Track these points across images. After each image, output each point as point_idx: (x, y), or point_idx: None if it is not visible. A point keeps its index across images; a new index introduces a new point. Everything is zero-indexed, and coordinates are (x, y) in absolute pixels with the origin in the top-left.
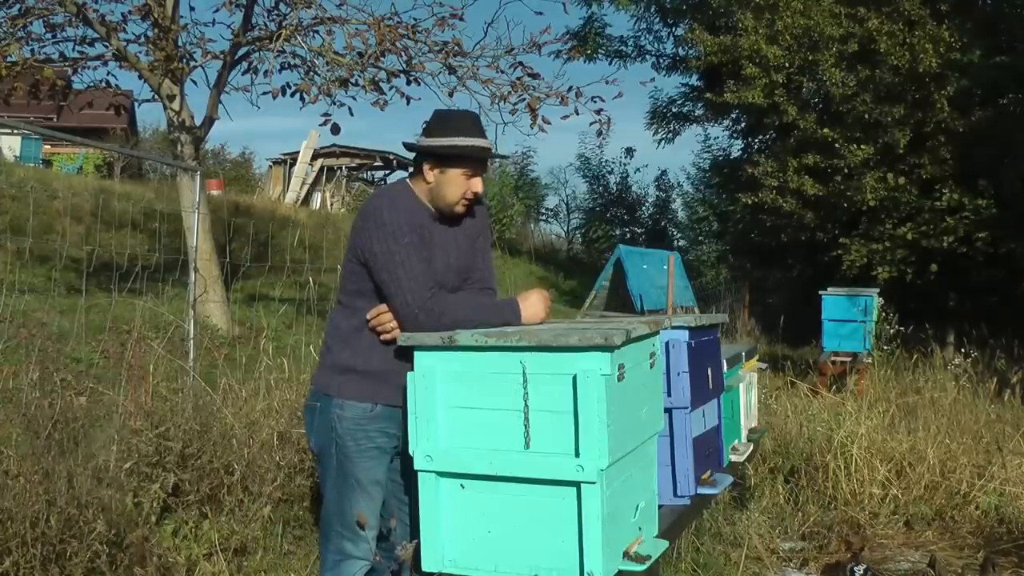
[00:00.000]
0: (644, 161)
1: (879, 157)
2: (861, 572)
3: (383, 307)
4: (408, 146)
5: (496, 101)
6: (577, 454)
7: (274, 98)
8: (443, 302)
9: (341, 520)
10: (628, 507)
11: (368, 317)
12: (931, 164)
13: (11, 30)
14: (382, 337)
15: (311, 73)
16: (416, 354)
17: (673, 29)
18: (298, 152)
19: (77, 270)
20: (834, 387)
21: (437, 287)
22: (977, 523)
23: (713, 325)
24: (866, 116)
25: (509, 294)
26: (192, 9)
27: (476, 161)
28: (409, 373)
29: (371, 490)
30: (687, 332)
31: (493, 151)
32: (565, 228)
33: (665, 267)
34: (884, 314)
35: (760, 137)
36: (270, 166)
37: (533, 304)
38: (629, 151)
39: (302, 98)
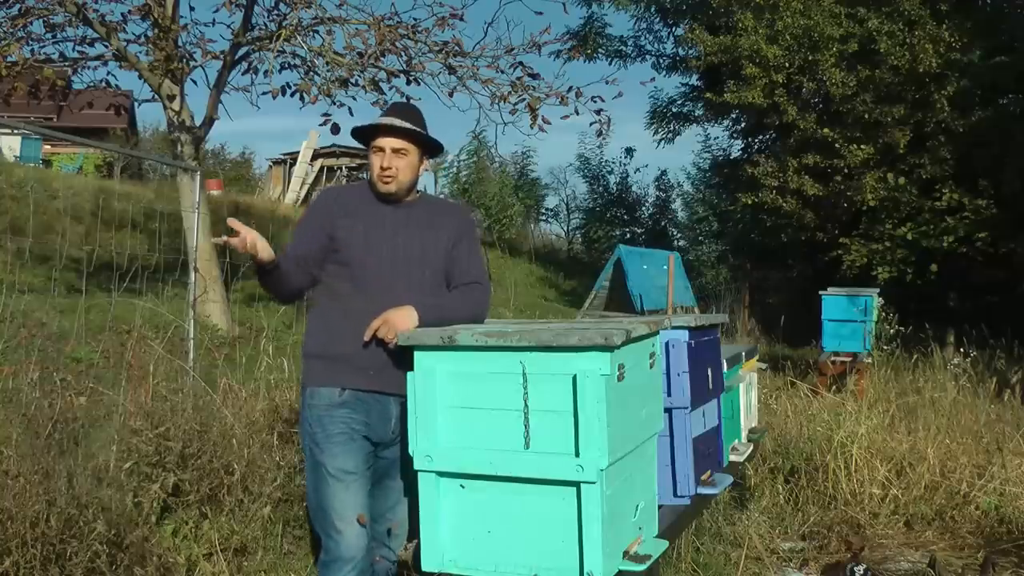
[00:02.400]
0: (644, 161)
1: (879, 157)
2: (861, 572)
3: (375, 324)
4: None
5: (496, 101)
6: (577, 454)
7: (274, 98)
8: (281, 273)
9: (323, 517)
10: (628, 507)
11: (366, 339)
12: (931, 164)
13: (11, 30)
14: (389, 339)
15: (311, 73)
16: (416, 354)
17: (673, 29)
18: (298, 152)
19: (77, 270)
20: (834, 387)
21: (296, 262)
22: (977, 523)
23: (713, 325)
24: (866, 116)
25: (509, 293)
26: (192, 9)
27: (383, 136)
28: (409, 373)
29: (344, 479)
30: (687, 332)
31: (400, 125)
32: (565, 228)
33: (665, 267)
34: (884, 314)
35: (760, 137)
36: (270, 166)
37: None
38: (629, 151)
39: (302, 98)
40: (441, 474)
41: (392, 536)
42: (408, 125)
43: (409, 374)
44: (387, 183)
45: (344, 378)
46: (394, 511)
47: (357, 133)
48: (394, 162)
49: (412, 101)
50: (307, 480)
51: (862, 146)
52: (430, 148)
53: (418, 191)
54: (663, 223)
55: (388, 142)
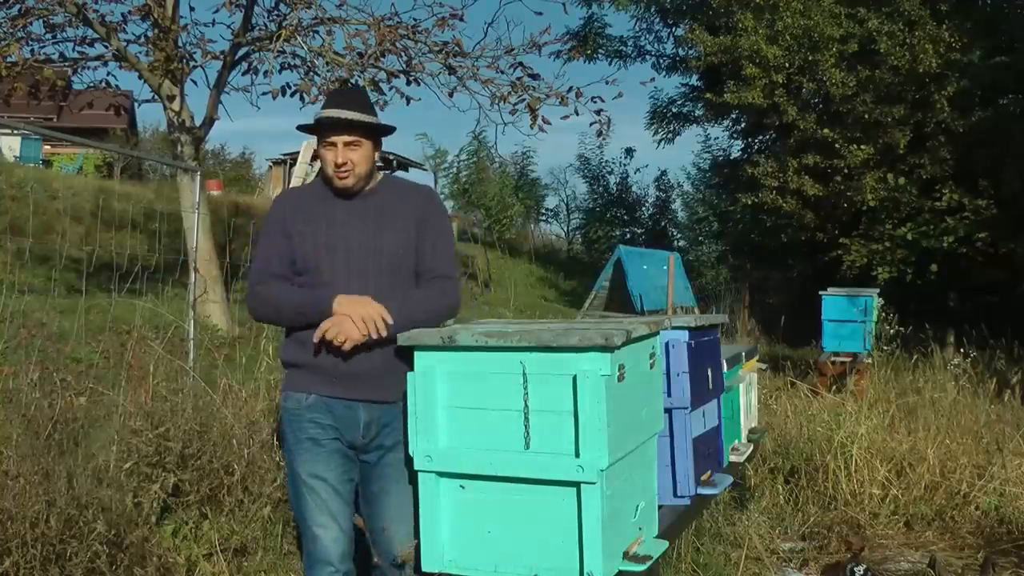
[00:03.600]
0: (644, 161)
1: (879, 157)
2: (861, 572)
3: (325, 324)
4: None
5: (496, 101)
6: (577, 454)
7: (274, 98)
8: (267, 291)
9: (300, 521)
10: (628, 507)
11: (315, 340)
12: (931, 164)
13: (11, 30)
14: (339, 343)
15: (311, 73)
16: (416, 354)
17: (673, 29)
18: (298, 152)
19: (77, 270)
20: (834, 387)
21: (268, 276)
22: (977, 523)
23: (713, 325)
24: (866, 116)
25: (509, 293)
26: (192, 9)
27: (332, 131)
28: (409, 373)
29: (314, 485)
30: (687, 332)
31: (348, 118)
32: (565, 228)
33: (665, 267)
34: (884, 314)
35: (760, 137)
36: (270, 166)
37: (349, 302)
38: (629, 151)
39: (302, 98)
40: (441, 474)
41: (388, 537)
42: (358, 116)
43: (409, 374)
44: (344, 178)
45: (311, 384)
46: (387, 515)
47: (305, 127)
48: (348, 156)
49: (412, 101)
50: (288, 483)
51: (862, 146)
52: (383, 131)
53: (382, 172)
54: (663, 223)
55: (340, 136)
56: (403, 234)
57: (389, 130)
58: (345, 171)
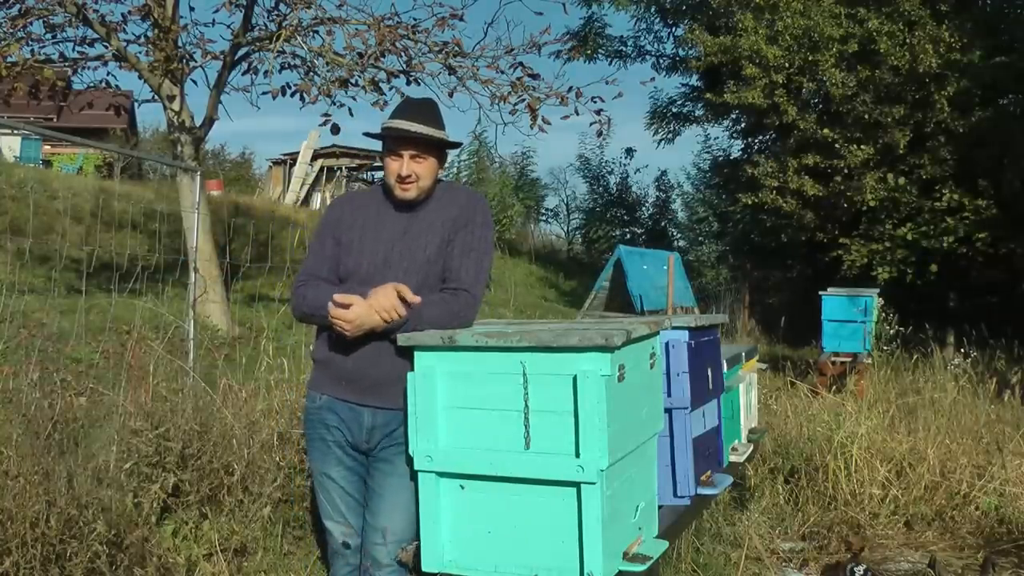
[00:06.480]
0: (644, 161)
1: (879, 157)
2: (861, 572)
3: (335, 306)
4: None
5: (496, 101)
6: (577, 454)
7: (274, 98)
8: (306, 290)
9: (320, 512)
10: (628, 507)
11: (330, 309)
12: (931, 164)
13: (11, 30)
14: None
15: (311, 73)
16: (416, 354)
17: (673, 29)
18: (298, 152)
19: (77, 270)
20: (834, 387)
21: (315, 277)
22: (977, 523)
23: (713, 325)
24: (866, 116)
25: (509, 293)
26: (192, 9)
27: (399, 142)
28: (409, 373)
29: (323, 482)
30: (687, 332)
31: (417, 133)
32: (565, 228)
33: (665, 267)
34: (884, 314)
35: (760, 137)
36: (270, 166)
37: (375, 294)
38: (629, 151)
39: (302, 98)
40: (441, 474)
41: (370, 539)
42: (426, 130)
43: (409, 374)
44: (407, 191)
45: (324, 385)
46: (375, 517)
47: (372, 136)
48: (414, 168)
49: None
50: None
51: (862, 146)
52: (449, 145)
53: (440, 179)
54: (663, 223)
55: (406, 149)
56: (438, 238)
57: (455, 145)
58: (409, 183)
